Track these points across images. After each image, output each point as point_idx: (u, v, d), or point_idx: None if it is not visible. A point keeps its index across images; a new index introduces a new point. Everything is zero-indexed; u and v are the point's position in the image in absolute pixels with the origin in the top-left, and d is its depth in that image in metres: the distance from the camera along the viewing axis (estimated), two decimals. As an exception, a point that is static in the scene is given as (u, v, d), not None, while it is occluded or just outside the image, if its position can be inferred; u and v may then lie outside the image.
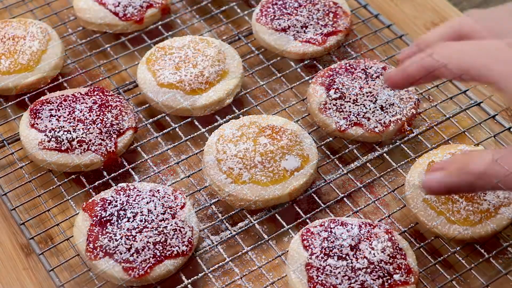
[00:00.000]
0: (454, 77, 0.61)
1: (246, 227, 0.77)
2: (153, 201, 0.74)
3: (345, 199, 0.79)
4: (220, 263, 0.74)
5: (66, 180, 0.80)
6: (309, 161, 0.77)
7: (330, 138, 0.83)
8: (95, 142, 0.79)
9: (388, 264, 0.69)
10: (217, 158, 0.77)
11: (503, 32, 0.60)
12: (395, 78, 0.65)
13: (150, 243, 0.71)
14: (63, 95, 0.83)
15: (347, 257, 0.69)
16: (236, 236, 0.77)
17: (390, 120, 0.81)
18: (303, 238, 0.71)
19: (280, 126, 0.80)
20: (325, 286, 0.68)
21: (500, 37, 0.59)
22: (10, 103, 0.86)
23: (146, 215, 0.73)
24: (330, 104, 0.82)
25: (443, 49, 0.61)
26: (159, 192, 0.75)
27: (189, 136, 0.83)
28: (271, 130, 0.79)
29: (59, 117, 0.81)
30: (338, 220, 0.73)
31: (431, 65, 0.60)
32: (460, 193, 0.72)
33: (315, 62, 0.90)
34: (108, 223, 0.72)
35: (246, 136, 0.78)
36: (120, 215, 0.73)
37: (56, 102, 0.82)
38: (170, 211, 0.74)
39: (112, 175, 0.80)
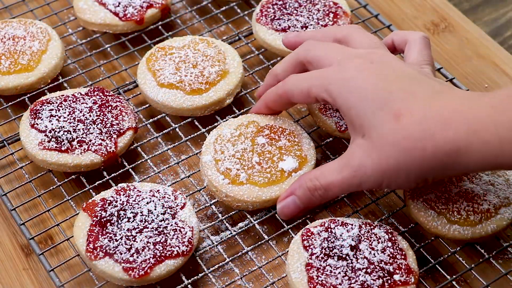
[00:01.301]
0: (302, 101, 0.74)
1: (246, 227, 0.77)
2: (153, 201, 0.74)
3: (345, 199, 0.79)
4: (220, 263, 0.74)
5: (66, 180, 0.80)
6: (307, 162, 0.77)
7: (330, 138, 0.83)
8: (95, 142, 0.79)
9: (388, 264, 0.69)
10: (214, 158, 0.77)
11: (331, 62, 0.72)
12: (259, 108, 0.80)
13: (150, 243, 0.71)
14: (63, 95, 0.83)
15: (347, 257, 0.69)
16: (236, 236, 0.77)
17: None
18: (303, 238, 0.71)
19: (279, 126, 0.79)
20: (325, 286, 0.68)
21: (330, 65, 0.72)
22: (10, 103, 0.86)
23: (146, 215, 0.73)
24: (330, 104, 0.82)
25: (289, 79, 0.75)
26: (159, 192, 0.75)
27: (189, 136, 0.83)
28: (269, 130, 0.79)
29: (59, 117, 0.81)
30: (338, 220, 0.73)
31: (282, 91, 0.75)
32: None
33: (315, 62, 0.90)
34: (108, 223, 0.72)
35: (244, 136, 0.78)
36: (120, 215, 0.73)
37: (56, 102, 0.82)
38: (170, 211, 0.74)
39: (112, 175, 0.80)
